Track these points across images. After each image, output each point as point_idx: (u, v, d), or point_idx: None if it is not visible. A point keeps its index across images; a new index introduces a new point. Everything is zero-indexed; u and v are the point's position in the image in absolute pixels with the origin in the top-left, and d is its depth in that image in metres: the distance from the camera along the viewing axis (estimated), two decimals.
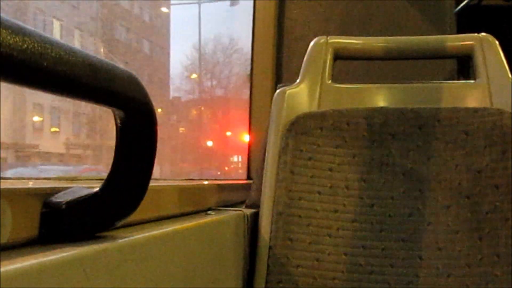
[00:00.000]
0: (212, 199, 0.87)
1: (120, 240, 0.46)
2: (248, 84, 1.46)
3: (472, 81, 1.00)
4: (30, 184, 0.53)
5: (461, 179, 0.91)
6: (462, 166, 0.91)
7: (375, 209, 0.92)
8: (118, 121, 0.42)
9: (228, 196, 1.00)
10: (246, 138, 1.46)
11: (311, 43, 1.05)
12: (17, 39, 0.29)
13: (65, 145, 3.02)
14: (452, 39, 1.07)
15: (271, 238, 0.92)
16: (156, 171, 0.46)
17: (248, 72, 1.46)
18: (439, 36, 1.07)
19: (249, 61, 1.46)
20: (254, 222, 0.93)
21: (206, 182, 1.00)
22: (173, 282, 0.58)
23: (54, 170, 2.75)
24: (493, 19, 1.63)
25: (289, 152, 0.94)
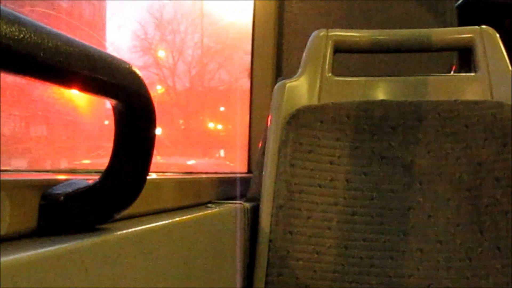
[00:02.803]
0: (212, 192, 0.87)
1: (118, 233, 0.46)
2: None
3: (473, 74, 1.00)
4: (29, 176, 0.53)
5: (461, 172, 0.91)
6: (462, 159, 0.91)
7: (375, 202, 0.92)
8: (117, 113, 0.42)
9: (228, 189, 1.00)
10: None
11: (311, 36, 1.05)
12: (14, 29, 0.29)
13: None
14: (452, 31, 1.07)
15: (271, 231, 0.92)
16: None
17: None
18: (439, 29, 1.06)
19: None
20: (254, 215, 0.93)
21: (205, 175, 1.00)
22: (172, 274, 0.58)
23: None
24: (494, 13, 1.62)
25: (289, 145, 0.94)
